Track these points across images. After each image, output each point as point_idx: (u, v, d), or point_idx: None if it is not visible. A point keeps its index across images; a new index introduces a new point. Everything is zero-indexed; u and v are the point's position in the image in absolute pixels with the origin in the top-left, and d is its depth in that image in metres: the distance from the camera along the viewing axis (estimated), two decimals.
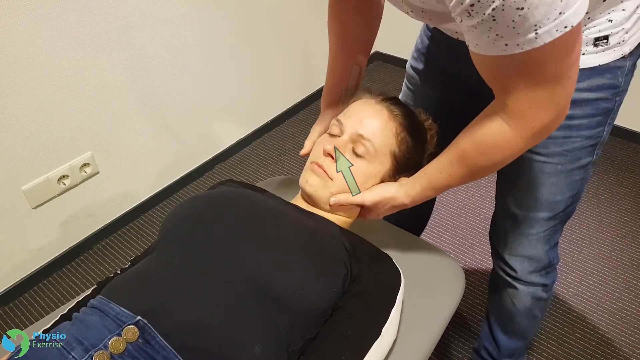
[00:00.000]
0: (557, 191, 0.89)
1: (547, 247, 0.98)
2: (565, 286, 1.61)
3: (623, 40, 0.76)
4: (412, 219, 1.28)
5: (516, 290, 1.04)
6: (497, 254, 1.04)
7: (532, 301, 1.05)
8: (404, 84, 1.14)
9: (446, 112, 0.98)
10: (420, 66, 1.06)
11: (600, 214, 1.88)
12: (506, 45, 0.57)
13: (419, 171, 0.83)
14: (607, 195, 1.96)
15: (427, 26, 1.03)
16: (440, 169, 0.78)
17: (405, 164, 0.87)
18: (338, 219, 0.89)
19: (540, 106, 0.64)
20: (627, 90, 0.82)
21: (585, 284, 1.62)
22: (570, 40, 0.57)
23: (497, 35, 0.57)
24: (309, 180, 0.86)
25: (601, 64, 0.77)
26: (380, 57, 2.99)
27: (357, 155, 0.84)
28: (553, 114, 0.65)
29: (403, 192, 0.84)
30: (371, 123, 0.84)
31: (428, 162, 0.83)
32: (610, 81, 0.79)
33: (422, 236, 1.49)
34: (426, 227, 1.82)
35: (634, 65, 0.81)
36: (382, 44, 2.88)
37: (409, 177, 0.86)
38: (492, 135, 0.69)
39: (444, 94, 1.03)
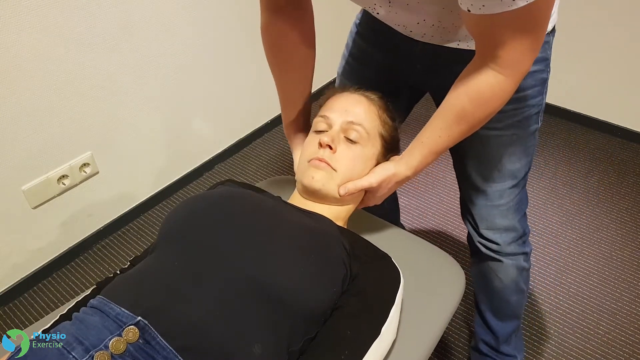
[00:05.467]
0: (516, 159, 0.98)
1: (519, 216, 1.05)
2: (565, 286, 1.61)
3: None
4: (387, 206, 1.32)
5: (500, 263, 1.09)
6: (475, 232, 1.08)
7: (516, 273, 1.10)
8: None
9: None
10: (356, 69, 1.08)
11: (600, 214, 1.88)
12: (514, 0, 0.61)
13: (413, 141, 0.86)
14: (607, 195, 1.96)
15: (355, 25, 1.06)
16: (439, 132, 0.82)
17: (391, 143, 0.93)
18: (338, 215, 0.90)
19: (529, 50, 0.70)
20: (550, 63, 0.94)
21: (586, 284, 1.62)
22: None
23: None
24: (315, 176, 0.86)
25: None
26: None
27: (351, 141, 0.88)
28: (534, 55, 0.72)
29: (403, 166, 0.87)
30: (356, 110, 0.90)
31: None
32: (542, 54, 0.88)
33: (422, 236, 1.48)
34: (426, 227, 1.83)
35: (552, 42, 0.92)
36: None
37: (397, 154, 0.92)
38: (490, 87, 0.74)
39: (383, 92, 1.03)
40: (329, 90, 0.98)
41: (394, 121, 0.95)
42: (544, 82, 0.93)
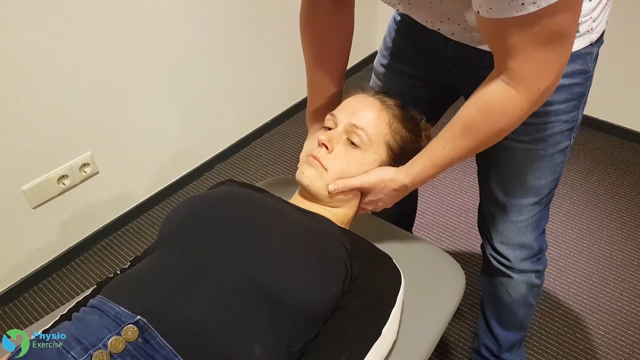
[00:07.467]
0: (542, 176, 0.93)
1: (537, 233, 1.00)
2: (565, 286, 1.61)
3: (591, 29, 0.80)
4: (397, 218, 1.29)
5: (511, 279, 1.06)
6: (489, 244, 1.06)
7: (527, 289, 1.07)
8: (371, 81, 1.14)
9: (423, 108, 0.99)
10: (391, 63, 1.07)
11: (600, 214, 1.88)
12: (522, 4, 0.57)
13: (420, 152, 0.84)
14: (607, 195, 1.96)
15: (394, 21, 1.04)
16: (443, 144, 0.78)
17: (401, 154, 0.89)
18: (337, 218, 0.90)
19: (546, 66, 0.65)
20: (593, 76, 0.87)
21: (586, 284, 1.62)
22: None
23: None
24: (305, 172, 0.87)
25: (573, 51, 0.79)
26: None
27: (352, 144, 0.86)
28: (555, 74, 0.66)
29: (402, 173, 0.85)
30: (364, 113, 0.87)
31: None
32: (581, 67, 0.83)
33: (422, 236, 1.48)
34: (426, 227, 1.83)
35: (598, 52, 0.85)
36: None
37: None
38: (499, 101, 0.70)
39: (415, 91, 1.04)
40: (352, 88, 0.98)
41: (411, 132, 0.90)
42: (581, 97, 0.86)
